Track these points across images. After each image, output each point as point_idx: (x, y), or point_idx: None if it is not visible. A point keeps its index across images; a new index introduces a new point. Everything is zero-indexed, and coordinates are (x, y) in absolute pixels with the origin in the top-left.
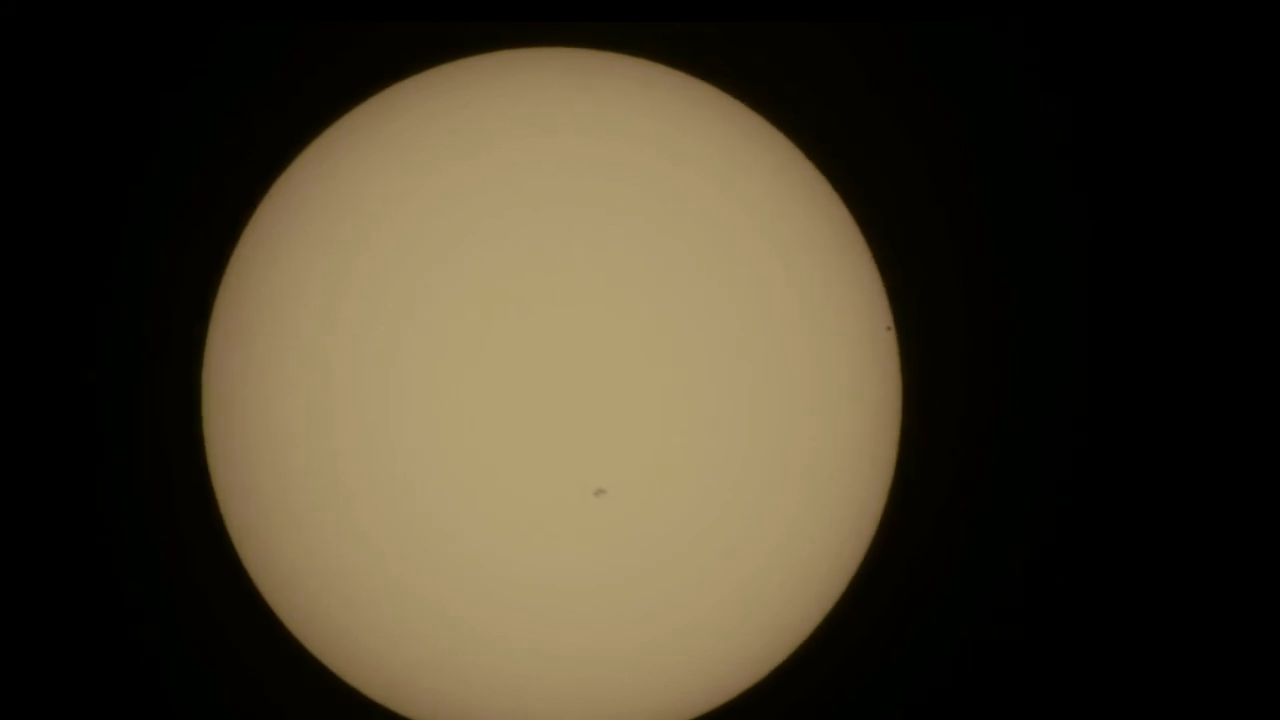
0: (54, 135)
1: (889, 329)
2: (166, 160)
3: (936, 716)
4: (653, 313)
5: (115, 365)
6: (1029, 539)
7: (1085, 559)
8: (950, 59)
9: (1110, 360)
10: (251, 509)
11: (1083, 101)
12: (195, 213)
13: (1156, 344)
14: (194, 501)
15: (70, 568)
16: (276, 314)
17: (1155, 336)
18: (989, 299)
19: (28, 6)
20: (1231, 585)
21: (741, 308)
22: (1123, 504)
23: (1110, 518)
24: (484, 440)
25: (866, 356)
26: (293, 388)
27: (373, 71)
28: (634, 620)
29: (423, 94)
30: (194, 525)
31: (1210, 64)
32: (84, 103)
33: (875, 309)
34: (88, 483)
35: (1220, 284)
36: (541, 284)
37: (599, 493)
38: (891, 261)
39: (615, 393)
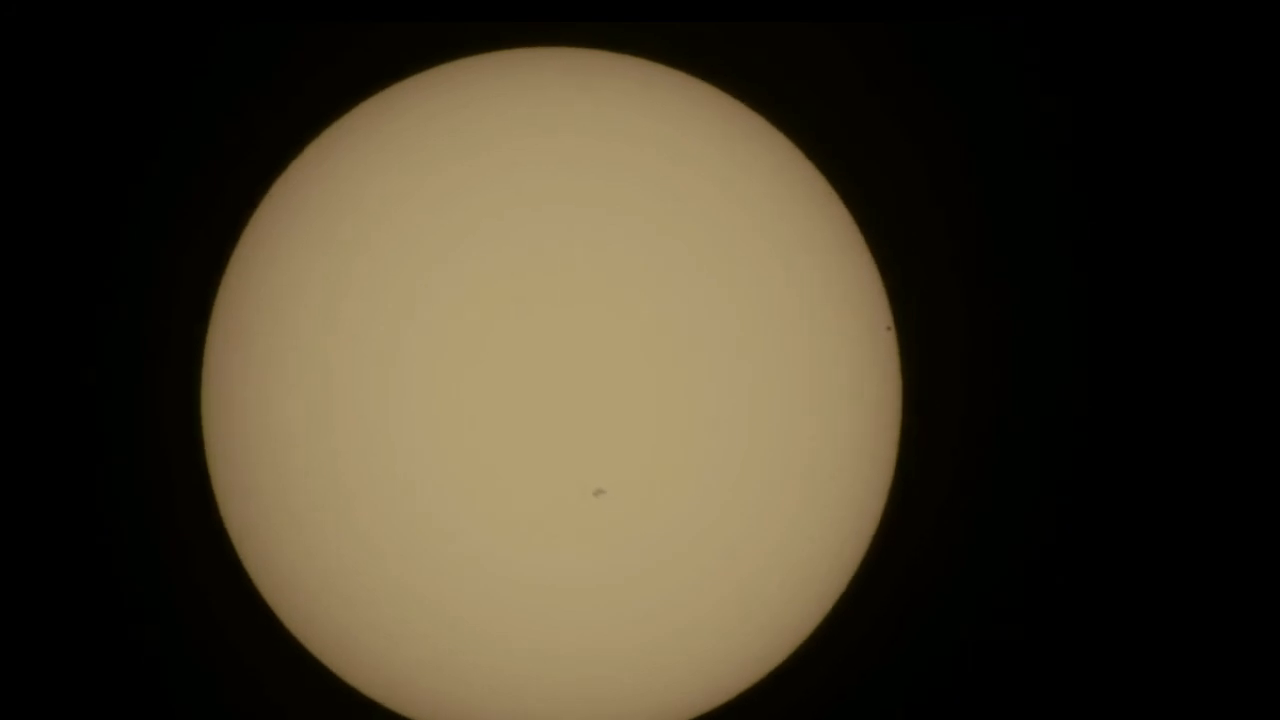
0: (54, 135)
1: (889, 329)
2: (166, 160)
3: (936, 716)
4: (653, 313)
5: (115, 365)
6: (1029, 539)
7: (1085, 559)
8: (950, 59)
9: (1110, 360)
10: (251, 509)
11: (1083, 101)
12: (195, 213)
13: (1156, 344)
14: (194, 501)
15: (70, 568)
16: (276, 314)
17: (1155, 336)
18: (989, 299)
19: (28, 6)
20: (1231, 585)
21: (741, 308)
22: (1123, 504)
23: (1110, 518)
24: (484, 440)
25: (866, 356)
26: (292, 388)
27: (373, 71)
28: (634, 620)
29: (423, 94)
30: (194, 525)
31: (1210, 64)
32: (84, 103)
33: (875, 309)
34: (88, 483)
35: (1220, 284)
36: (541, 284)
37: (599, 493)
38: (891, 261)
39: (615, 393)
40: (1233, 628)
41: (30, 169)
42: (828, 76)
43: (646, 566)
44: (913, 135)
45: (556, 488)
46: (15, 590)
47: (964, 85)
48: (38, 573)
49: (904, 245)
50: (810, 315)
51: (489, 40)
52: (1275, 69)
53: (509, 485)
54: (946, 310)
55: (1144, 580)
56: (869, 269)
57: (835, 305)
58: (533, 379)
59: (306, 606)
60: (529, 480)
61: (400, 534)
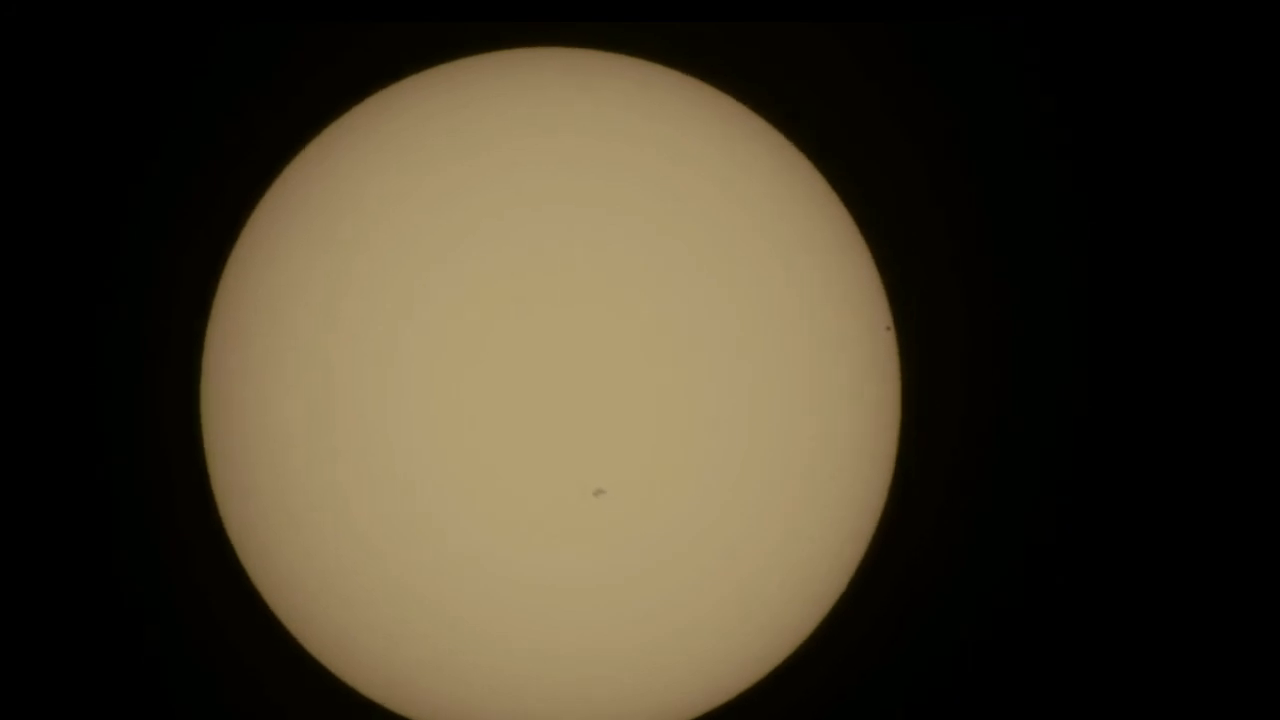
0: (54, 135)
1: (888, 329)
2: (166, 160)
3: (936, 716)
4: (653, 313)
5: (115, 365)
6: (1029, 539)
7: (1085, 559)
8: (950, 59)
9: (1110, 360)
10: (251, 509)
11: (1083, 101)
12: (195, 213)
13: (1156, 344)
14: (193, 502)
15: (70, 568)
16: (276, 314)
17: (1155, 336)
18: (989, 299)
19: (28, 6)
20: (1231, 585)
21: (741, 308)
22: (1123, 504)
23: (1110, 518)
24: (484, 440)
25: (866, 356)
26: (292, 388)
27: (373, 71)
28: (634, 620)
29: (423, 94)
30: (193, 525)
31: (1210, 64)
32: (84, 103)
33: (875, 309)
34: (88, 483)
35: (1220, 284)
36: (541, 284)
37: (598, 493)
38: (891, 261)
39: (615, 393)
40: (1233, 628)
41: (30, 169)
42: (828, 76)
43: (646, 566)
44: (913, 135)
45: (556, 488)
46: (16, 590)
47: (964, 85)
48: (38, 573)
49: (904, 245)
50: (810, 315)
51: (489, 40)
52: (1275, 69)
53: (509, 485)
54: (946, 310)
55: (1144, 580)
56: (869, 269)
57: (835, 305)
58: (532, 379)
59: (306, 606)
60: (529, 480)
61: (400, 534)
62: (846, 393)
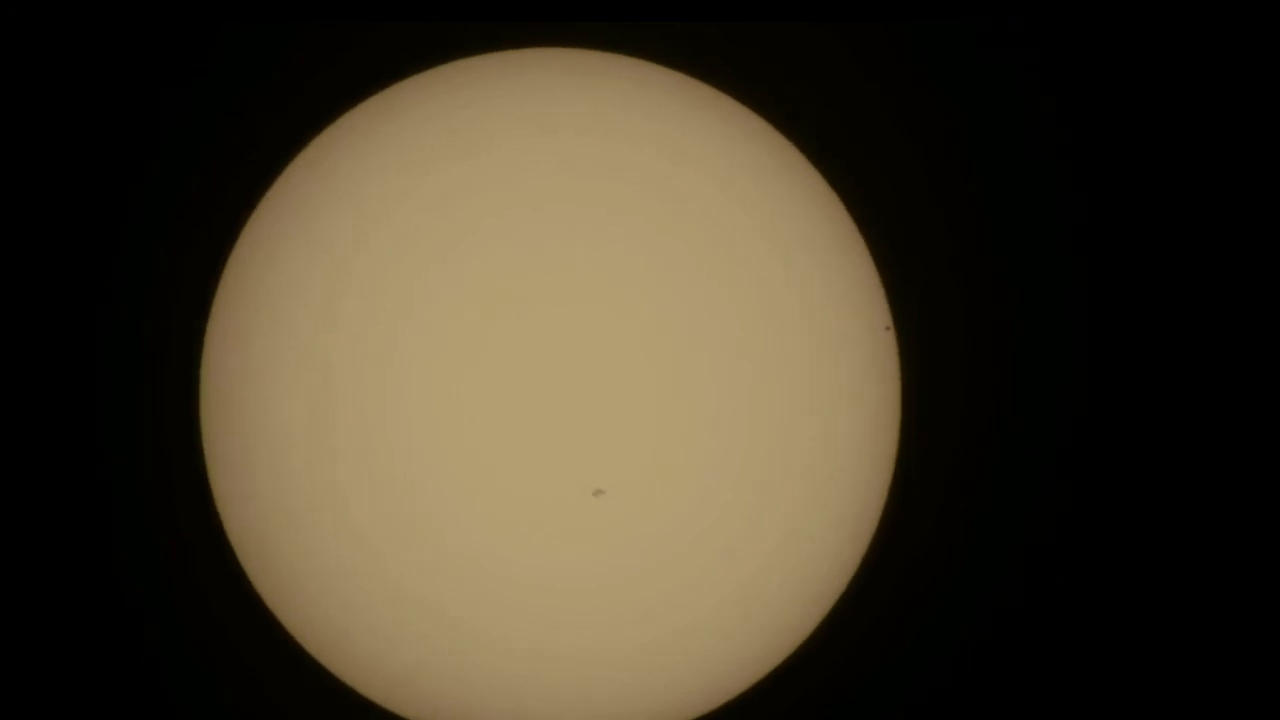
0: (54, 135)
1: (888, 329)
2: (166, 160)
3: (936, 716)
4: (653, 313)
5: (115, 365)
6: (1029, 539)
7: (1085, 559)
8: (950, 59)
9: (1110, 360)
10: (250, 510)
11: (1083, 101)
12: (195, 213)
13: (1156, 344)
14: (193, 502)
15: (70, 568)
16: (276, 314)
17: (1155, 336)
18: (989, 299)
19: (28, 6)
20: (1231, 585)
21: (741, 308)
22: (1123, 504)
23: (1110, 518)
24: (484, 440)
25: (866, 356)
26: (292, 388)
27: (373, 71)
28: (634, 620)
29: (423, 94)
30: (193, 526)
31: (1210, 64)
32: (84, 103)
33: (875, 309)
34: (88, 483)
35: (1220, 284)
36: (541, 284)
37: (598, 493)
38: (891, 261)
39: (615, 393)
40: (1233, 627)
41: (30, 169)
42: (828, 76)
43: (646, 566)
44: (912, 135)
45: (556, 488)
46: (16, 591)
47: (964, 85)
48: (38, 573)
49: (903, 245)
50: (810, 315)
51: (489, 40)
52: (1275, 69)
53: (509, 485)
54: (946, 310)
55: (1144, 580)
56: (868, 269)
57: (835, 305)
58: (532, 379)
59: (305, 607)
60: (529, 480)
61: (399, 534)
62: (846, 393)
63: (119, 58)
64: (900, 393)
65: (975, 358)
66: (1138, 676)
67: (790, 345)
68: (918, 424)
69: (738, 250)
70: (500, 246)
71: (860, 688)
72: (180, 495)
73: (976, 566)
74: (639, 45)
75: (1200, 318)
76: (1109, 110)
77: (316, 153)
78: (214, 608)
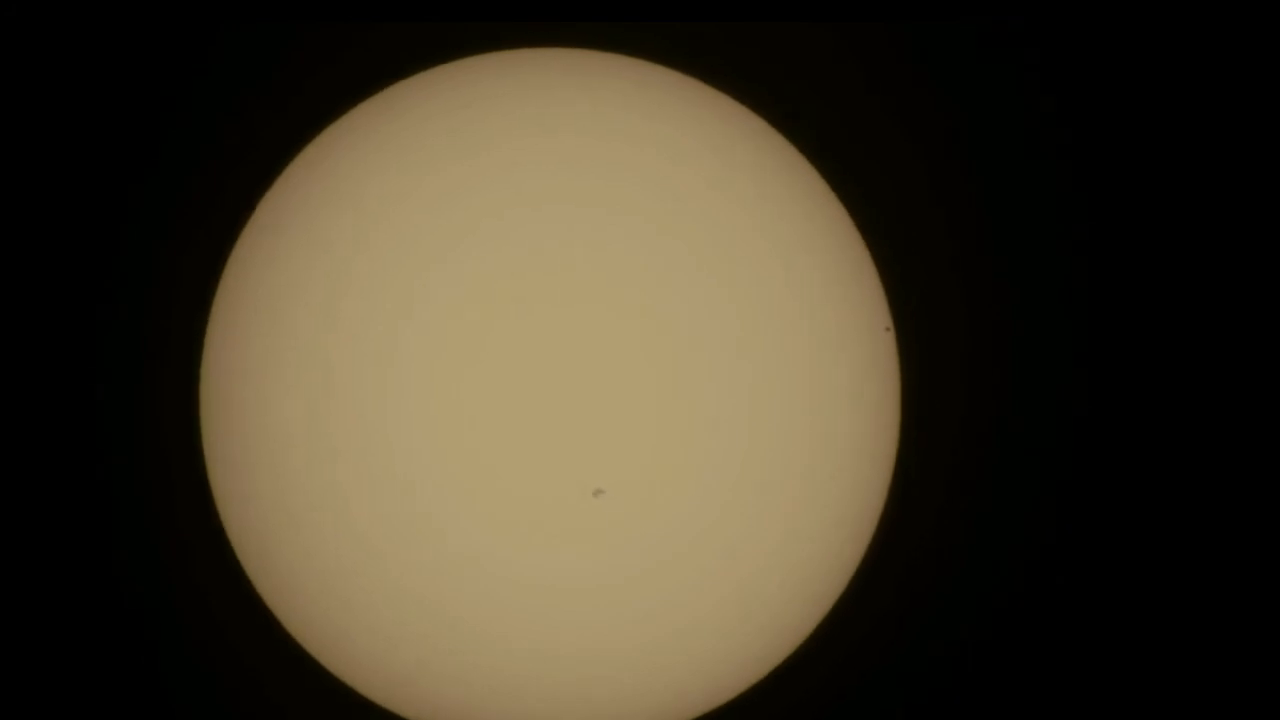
0: (54, 135)
1: (888, 329)
2: (166, 160)
3: (936, 716)
4: (653, 313)
5: (115, 365)
6: (1029, 539)
7: (1085, 559)
8: (950, 59)
9: (1110, 360)
10: (250, 510)
11: (1083, 101)
12: (195, 213)
13: (1156, 344)
14: (193, 502)
15: (70, 568)
16: (275, 314)
17: (1155, 336)
18: (989, 299)
19: (28, 6)
20: (1231, 585)
21: (741, 308)
22: (1123, 504)
23: (1110, 518)
24: (484, 440)
25: (866, 356)
26: (292, 388)
27: (373, 71)
28: (634, 620)
29: (423, 94)
30: (193, 526)
31: (1210, 64)
32: (84, 103)
33: (874, 309)
34: (88, 483)
35: (1220, 284)
36: (541, 284)
37: (598, 493)
38: (891, 262)
39: (615, 393)
40: (1232, 627)
41: (30, 169)
42: (828, 76)
43: (646, 566)
44: (912, 135)
45: (556, 488)
46: (16, 591)
47: (964, 85)
48: (38, 573)
49: (903, 245)
50: (810, 315)
51: (489, 40)
52: (1275, 69)
53: (509, 485)
54: (946, 310)
55: (1143, 580)
56: (868, 269)
57: (835, 305)
58: (532, 379)
59: (306, 607)
60: (529, 480)
61: (399, 534)
62: (846, 393)
63: (119, 58)
64: (900, 393)
65: (975, 358)
66: (1138, 676)
67: (790, 345)
68: (918, 424)
69: (737, 250)
70: (500, 246)
71: (860, 688)
72: (180, 495)
73: (976, 566)
74: (639, 45)
75: (1200, 318)
76: (1109, 110)
77: (316, 153)
78: (214, 608)
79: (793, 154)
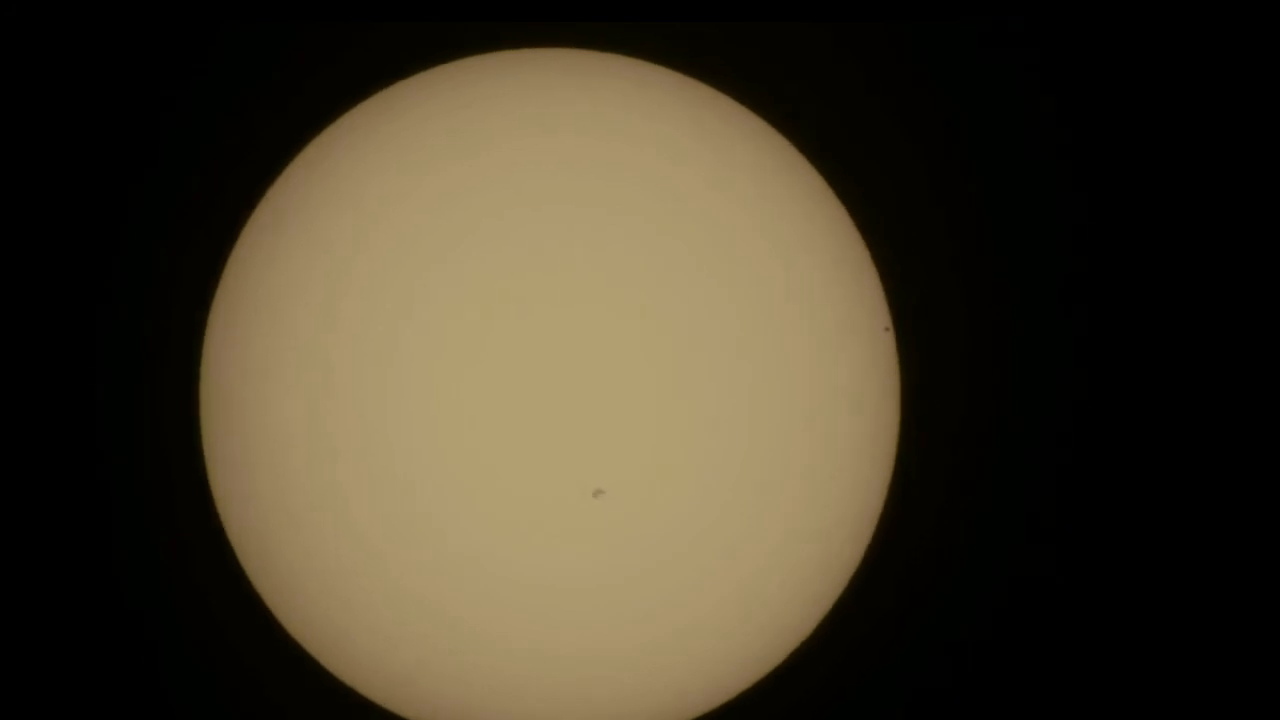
0: (54, 135)
1: (888, 329)
2: (166, 160)
3: (936, 716)
4: (653, 313)
5: (115, 365)
6: (1029, 539)
7: (1085, 559)
8: (950, 59)
9: (1110, 360)
10: (250, 510)
11: (1083, 101)
12: (195, 213)
13: (1156, 344)
14: (193, 502)
15: (70, 568)
16: (276, 314)
17: (1155, 336)
18: (988, 299)
19: (28, 6)
20: (1231, 585)
21: (741, 308)
22: (1122, 504)
23: (1110, 518)
24: (483, 440)
25: (866, 357)
26: (292, 388)
27: (373, 71)
28: (634, 620)
29: (423, 94)
30: (193, 526)
31: (1210, 64)
32: (84, 103)
33: (874, 309)
34: (88, 483)
35: (1220, 284)
36: (541, 284)
37: (598, 493)
38: (891, 261)
39: (615, 393)
40: (1232, 627)
41: (30, 169)
42: (827, 76)
43: (646, 566)
44: (912, 135)
45: (556, 488)
46: (16, 591)
47: (964, 85)
48: (38, 573)
49: (903, 245)
50: (810, 315)
51: (489, 40)
52: (1275, 69)
53: (509, 485)
54: (946, 310)
55: (1143, 580)
56: (868, 269)
57: (835, 305)
58: (532, 379)
59: (305, 607)
60: (529, 480)
61: (400, 534)
62: (846, 393)
63: (119, 58)
64: (900, 393)
65: (975, 358)
66: (1137, 676)
67: (790, 345)
68: (918, 424)
69: (737, 250)
70: (500, 246)
71: (860, 688)
72: (180, 495)
73: (976, 566)
74: (639, 45)
75: (1200, 317)
76: (1109, 110)
77: (316, 153)
78: (214, 608)
79: (793, 154)
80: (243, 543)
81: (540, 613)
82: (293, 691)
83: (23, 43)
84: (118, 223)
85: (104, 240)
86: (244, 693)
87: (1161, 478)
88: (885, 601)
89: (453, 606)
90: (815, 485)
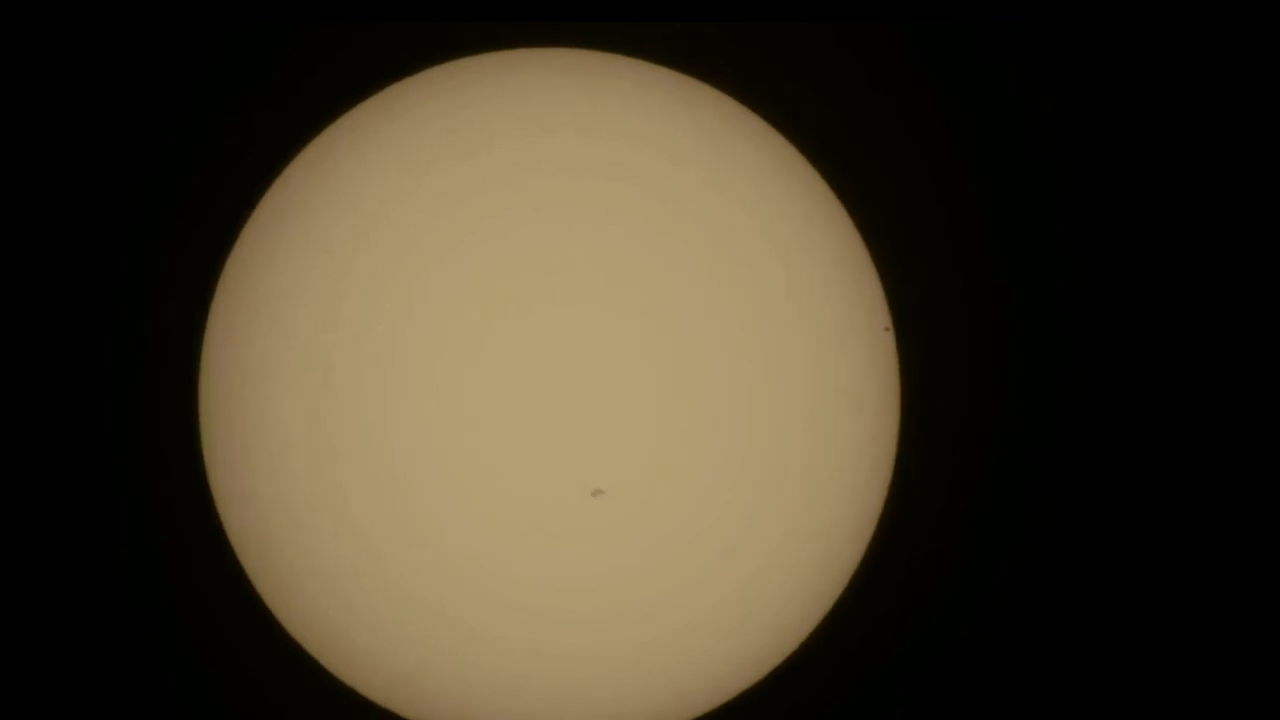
0: (54, 135)
1: (888, 329)
2: (166, 160)
3: (936, 716)
4: (653, 313)
5: (115, 365)
6: (1029, 539)
7: (1085, 559)
8: (950, 59)
9: (1110, 360)
10: (250, 510)
11: (1083, 101)
12: (195, 213)
13: (1156, 344)
14: (193, 502)
15: (70, 568)
16: (276, 314)
17: (1155, 336)
18: (988, 299)
19: (28, 6)
20: (1231, 585)
21: (741, 308)
22: (1122, 504)
23: (1110, 518)
24: (483, 440)
25: (866, 357)
26: (291, 388)
27: (373, 71)
28: (634, 620)
29: (423, 94)
30: (193, 526)
31: (1210, 64)
32: (84, 103)
33: (874, 309)
34: (88, 483)
35: (1220, 284)
36: (541, 284)
37: (597, 493)
38: (891, 261)
39: (615, 393)
40: (1232, 627)
41: (30, 169)
42: (827, 76)
43: (646, 566)
44: (912, 135)
45: (556, 488)
46: (15, 591)
47: (964, 85)
48: (37, 573)
49: (903, 245)
50: (810, 315)
51: (489, 40)
52: (1275, 69)
53: (508, 485)
54: (946, 310)
55: (1143, 580)
56: (868, 269)
57: (835, 305)
58: (532, 379)
59: (305, 607)
60: (529, 480)
61: (399, 534)
62: (846, 393)
63: (119, 58)
64: (900, 393)
65: (975, 358)
66: (1137, 676)
67: (790, 345)
68: (918, 424)
69: (737, 250)
70: (500, 246)
71: (860, 688)
72: (180, 495)
73: (976, 566)
74: (639, 45)
75: (1200, 317)
76: (1109, 110)
77: (316, 153)
78: (214, 608)
79: (793, 154)
80: (243, 543)
81: (540, 613)
82: (293, 691)
83: (23, 43)
84: (118, 223)
85: (104, 240)
86: (244, 693)
87: (1161, 478)
88: (885, 601)
89: (453, 606)
90: (815, 485)
